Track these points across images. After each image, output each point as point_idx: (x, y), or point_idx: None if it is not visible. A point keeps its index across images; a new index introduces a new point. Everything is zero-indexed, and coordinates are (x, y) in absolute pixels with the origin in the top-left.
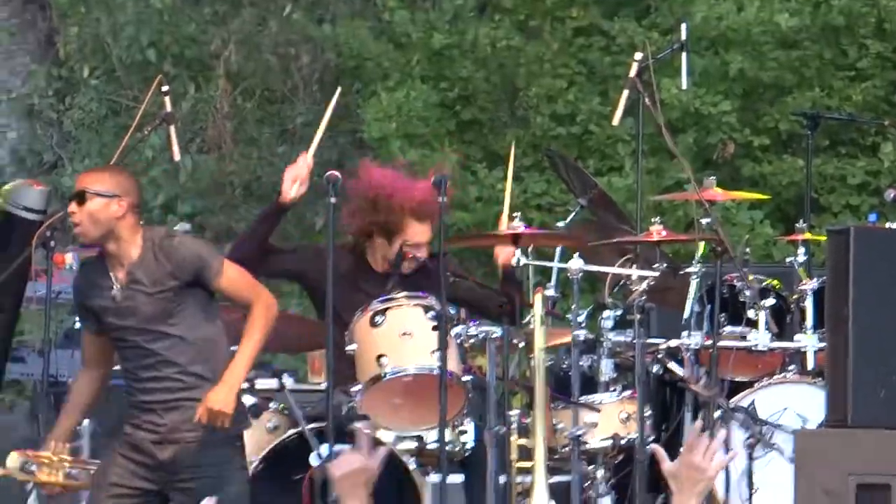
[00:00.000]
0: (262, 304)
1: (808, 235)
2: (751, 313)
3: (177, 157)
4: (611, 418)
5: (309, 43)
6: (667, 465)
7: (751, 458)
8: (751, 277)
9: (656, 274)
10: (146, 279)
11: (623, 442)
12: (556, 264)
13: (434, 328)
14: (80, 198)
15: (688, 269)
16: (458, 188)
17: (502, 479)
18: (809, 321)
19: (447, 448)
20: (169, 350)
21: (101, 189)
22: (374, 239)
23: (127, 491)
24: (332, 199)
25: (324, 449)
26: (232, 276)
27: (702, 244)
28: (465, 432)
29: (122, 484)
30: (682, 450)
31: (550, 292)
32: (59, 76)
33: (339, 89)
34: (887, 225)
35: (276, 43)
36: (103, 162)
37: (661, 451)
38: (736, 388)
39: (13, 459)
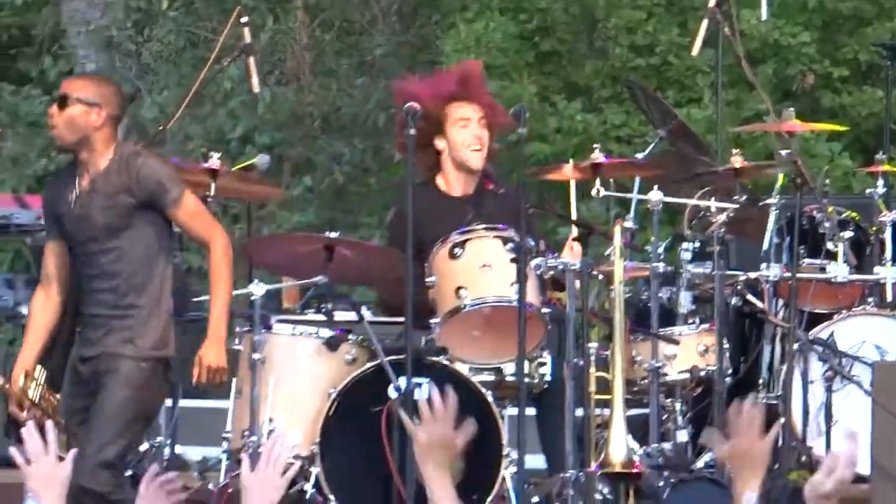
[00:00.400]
0: (220, 247)
1: (887, 167)
2: (830, 245)
3: (256, 88)
4: (689, 350)
5: None
6: (720, 450)
7: (829, 390)
8: (830, 209)
9: (735, 206)
10: (104, 190)
11: (701, 374)
12: (635, 196)
13: (513, 260)
14: (63, 102)
15: (767, 201)
16: (537, 119)
17: (580, 411)
18: (888, 253)
19: (525, 381)
20: (112, 265)
21: (84, 96)
22: (438, 150)
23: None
24: (412, 131)
25: (402, 381)
26: (190, 209)
27: (781, 176)
28: (543, 364)
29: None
30: (727, 435)
31: (629, 224)
32: (137, 8)
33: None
34: None
35: None
36: (182, 94)
37: (713, 438)
38: (814, 320)
39: None
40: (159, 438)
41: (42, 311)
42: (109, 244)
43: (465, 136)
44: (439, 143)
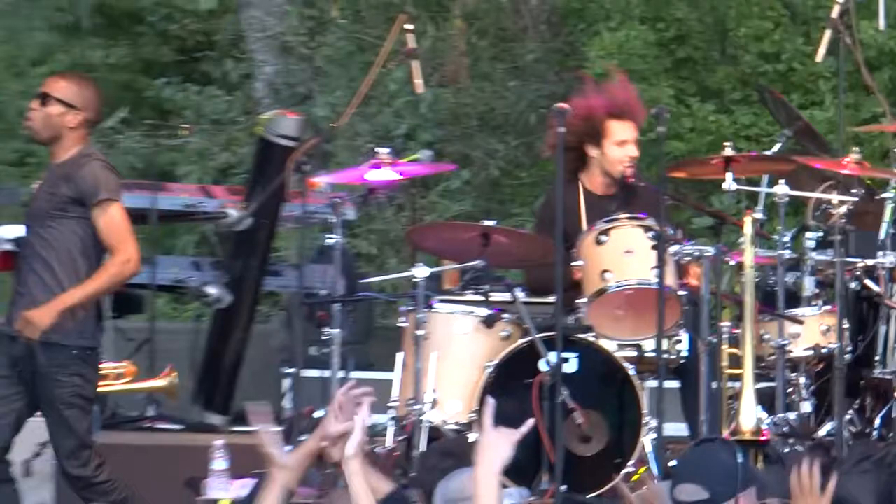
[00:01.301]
0: (121, 258)
1: None
2: None
3: (419, 90)
4: (812, 330)
5: None
6: None
7: None
8: None
9: (855, 199)
10: (53, 179)
11: (823, 351)
12: (763, 189)
13: (653, 247)
14: (43, 99)
15: (883, 195)
16: (674, 119)
17: (714, 384)
18: None
19: (663, 356)
20: (41, 249)
21: (65, 97)
22: (588, 156)
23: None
24: (561, 129)
25: (552, 356)
26: (109, 218)
27: None
28: (679, 342)
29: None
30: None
31: (758, 215)
32: (310, 16)
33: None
34: None
35: None
36: (351, 95)
37: None
38: None
39: None
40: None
41: None
42: (41, 229)
43: (621, 155)
44: (592, 152)
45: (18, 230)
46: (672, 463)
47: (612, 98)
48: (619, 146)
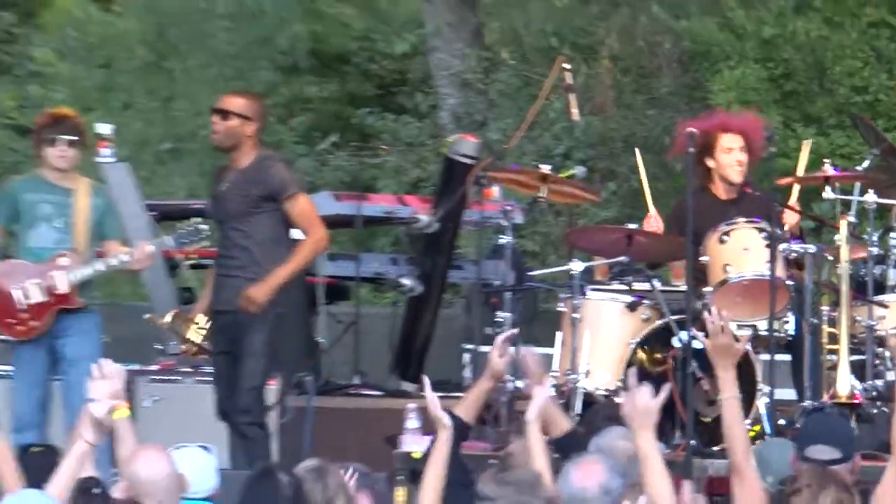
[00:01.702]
0: (314, 237)
1: None
2: None
3: (574, 117)
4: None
5: (670, 32)
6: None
7: None
8: None
9: None
10: (241, 183)
11: None
12: (855, 198)
13: (767, 245)
14: (224, 114)
15: None
16: (781, 141)
17: (816, 357)
18: None
19: (774, 334)
20: (241, 240)
21: (240, 111)
22: (709, 167)
23: None
24: (691, 150)
25: (683, 335)
26: (300, 208)
27: None
28: (787, 322)
29: None
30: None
31: (851, 219)
32: (485, 58)
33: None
34: None
35: (646, 32)
36: (519, 122)
37: None
38: None
39: (169, 316)
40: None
41: None
42: (236, 224)
43: (730, 160)
44: (710, 163)
45: None
46: (781, 421)
47: (720, 118)
48: (727, 153)
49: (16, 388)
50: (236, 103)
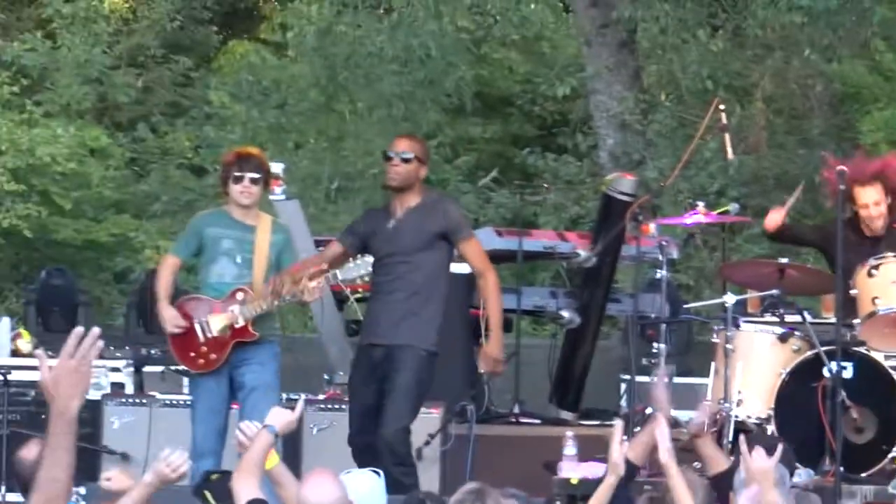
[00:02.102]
0: (494, 277)
1: None
2: None
3: (730, 156)
4: None
5: (822, 76)
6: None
7: None
8: None
9: None
10: (417, 219)
11: None
12: None
13: None
14: (404, 157)
15: None
16: None
17: None
18: None
19: None
20: (407, 273)
21: (419, 154)
22: (856, 210)
23: None
24: (842, 186)
25: (833, 365)
26: (477, 248)
27: None
28: None
29: None
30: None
31: None
32: (643, 100)
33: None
34: None
35: (798, 76)
36: (675, 161)
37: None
38: None
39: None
40: None
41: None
42: (410, 258)
43: (866, 215)
44: (855, 210)
45: None
46: None
47: (855, 165)
48: (864, 209)
49: (195, 416)
50: (414, 146)
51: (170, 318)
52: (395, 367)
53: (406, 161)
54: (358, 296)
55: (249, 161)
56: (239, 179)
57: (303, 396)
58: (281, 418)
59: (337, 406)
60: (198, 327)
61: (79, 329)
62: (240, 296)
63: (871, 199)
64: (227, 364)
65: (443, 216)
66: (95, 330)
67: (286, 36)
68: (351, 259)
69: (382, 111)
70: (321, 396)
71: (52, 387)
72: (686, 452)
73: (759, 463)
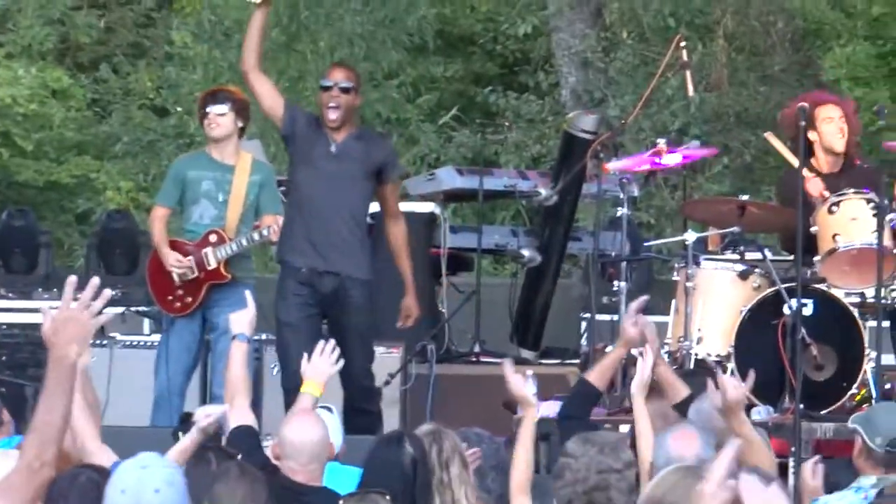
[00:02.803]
0: (404, 226)
1: None
2: None
3: (691, 94)
4: None
5: (784, 12)
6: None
7: None
8: None
9: None
10: (360, 148)
11: None
12: None
13: (874, 214)
14: (346, 88)
15: None
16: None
17: None
18: None
19: (881, 301)
20: (348, 200)
21: (354, 84)
22: (811, 141)
23: None
24: (802, 123)
25: (793, 302)
26: (396, 190)
27: None
28: (894, 290)
29: None
30: None
31: None
32: (605, 37)
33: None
34: None
35: (760, 12)
36: (637, 99)
37: None
38: None
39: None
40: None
41: None
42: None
43: (830, 128)
44: (812, 136)
45: None
46: (888, 385)
47: (813, 94)
48: (828, 122)
49: (168, 355)
50: (351, 76)
51: (173, 261)
52: (352, 303)
53: (345, 91)
54: None
55: (215, 96)
56: (205, 115)
57: (248, 293)
58: (244, 322)
59: None
60: (175, 273)
61: (72, 278)
62: (212, 237)
63: (835, 114)
64: (200, 306)
65: (387, 151)
66: (94, 280)
67: None
68: None
69: (345, 51)
70: None
71: (52, 334)
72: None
73: (733, 393)
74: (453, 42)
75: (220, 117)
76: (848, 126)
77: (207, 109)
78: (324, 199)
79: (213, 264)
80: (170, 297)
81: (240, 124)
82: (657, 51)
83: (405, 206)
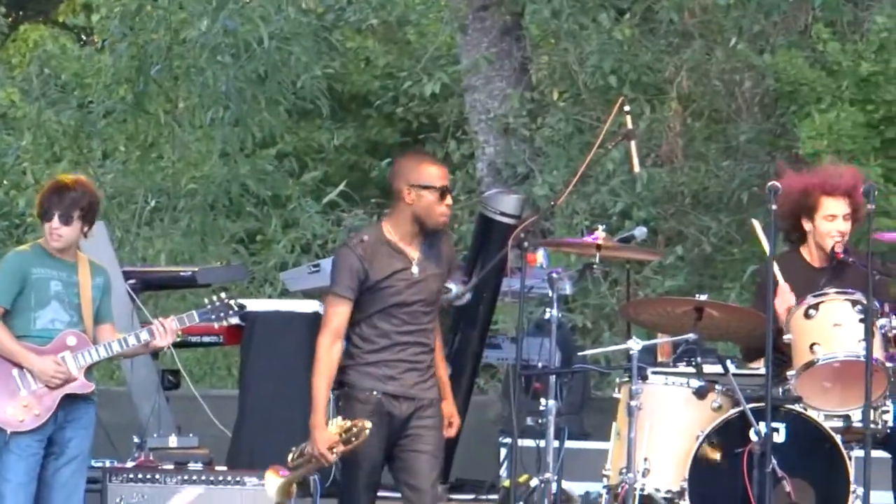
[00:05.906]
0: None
1: None
2: None
3: (636, 169)
4: None
5: (751, 70)
6: None
7: None
8: None
9: None
10: (431, 262)
11: None
12: None
13: (861, 320)
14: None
15: None
16: (882, 198)
17: None
18: None
19: (870, 426)
20: (427, 324)
21: None
22: (805, 230)
23: None
24: (773, 206)
25: (762, 426)
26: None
27: None
28: (886, 412)
29: None
30: None
31: None
32: (531, 99)
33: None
34: None
35: (723, 70)
36: (570, 174)
37: None
38: None
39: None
40: (547, 475)
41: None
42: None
43: (830, 228)
44: (806, 226)
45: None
46: None
47: (824, 174)
48: (829, 221)
49: (10, 488)
50: None
51: (52, 369)
52: (427, 424)
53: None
54: (178, 340)
55: (61, 199)
56: (47, 218)
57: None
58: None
59: (150, 476)
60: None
61: None
62: (71, 340)
63: (840, 211)
64: (50, 422)
65: (448, 258)
66: None
67: (91, 19)
68: (216, 298)
69: (209, 113)
70: (130, 464)
71: None
72: None
73: None
74: (344, 103)
75: (65, 226)
76: (853, 224)
77: (49, 218)
78: (400, 326)
79: (74, 372)
80: (10, 410)
81: (85, 229)
82: (595, 116)
83: (283, 305)
